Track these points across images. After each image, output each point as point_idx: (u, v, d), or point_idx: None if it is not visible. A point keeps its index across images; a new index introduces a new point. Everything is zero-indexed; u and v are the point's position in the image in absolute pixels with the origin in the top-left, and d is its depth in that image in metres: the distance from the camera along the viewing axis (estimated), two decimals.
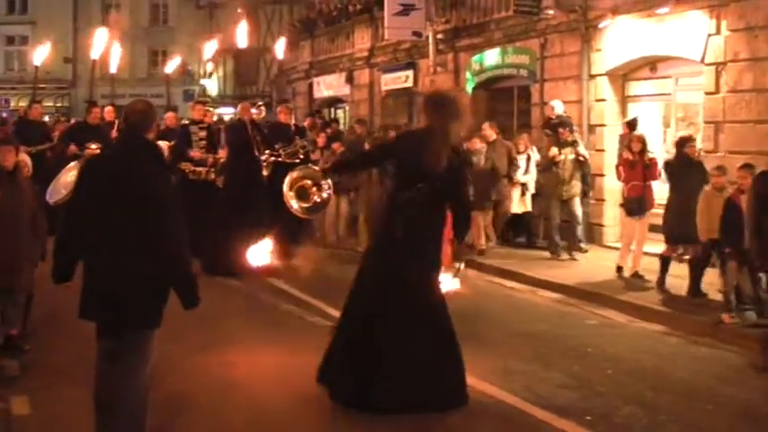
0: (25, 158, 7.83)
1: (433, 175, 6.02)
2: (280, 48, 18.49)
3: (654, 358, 7.79)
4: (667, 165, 10.69)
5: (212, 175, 11.81)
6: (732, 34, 11.55)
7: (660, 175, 11.00)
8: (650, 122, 13.55)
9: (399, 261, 6.11)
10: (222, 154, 11.98)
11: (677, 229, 9.96)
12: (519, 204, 13.67)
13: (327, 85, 24.74)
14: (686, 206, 9.67)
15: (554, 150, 12.51)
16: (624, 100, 14.29)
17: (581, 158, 12.57)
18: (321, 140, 14.57)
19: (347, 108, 24.10)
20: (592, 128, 14.25)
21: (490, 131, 13.53)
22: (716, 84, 11.81)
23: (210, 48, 20.65)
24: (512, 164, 13.45)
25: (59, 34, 26.51)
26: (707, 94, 12.05)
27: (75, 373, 6.33)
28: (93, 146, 11.04)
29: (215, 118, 14.10)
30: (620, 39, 13.61)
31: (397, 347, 6.01)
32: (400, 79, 20.31)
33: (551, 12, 14.92)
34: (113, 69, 18.82)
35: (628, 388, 6.83)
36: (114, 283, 4.68)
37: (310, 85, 25.62)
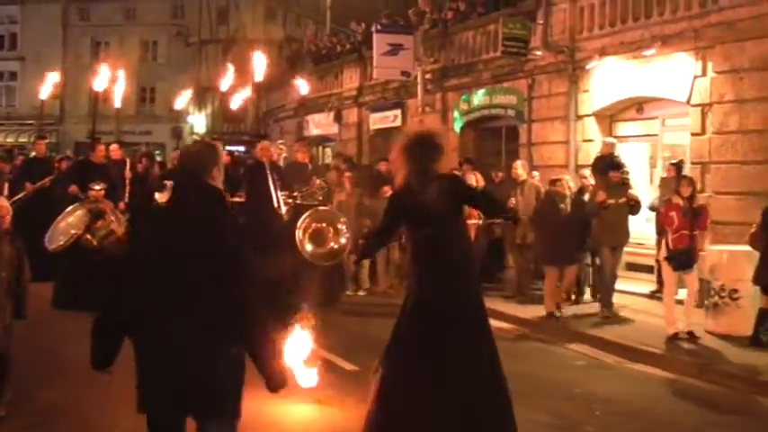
0: (6, 204, 6.85)
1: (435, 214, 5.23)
2: (303, 85, 18.43)
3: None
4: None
5: None
6: (718, 76, 11.70)
7: (709, 224, 10.15)
8: (637, 163, 13.64)
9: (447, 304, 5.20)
10: (238, 196, 11.25)
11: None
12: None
13: (316, 124, 24.84)
14: None
15: (602, 194, 10.95)
16: None
17: (632, 203, 11.05)
18: (348, 181, 13.60)
19: (335, 146, 24.17)
20: (579, 168, 14.26)
21: (522, 171, 12.45)
22: (702, 125, 11.92)
23: (227, 81, 20.33)
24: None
25: (48, 70, 26.53)
26: (693, 134, 12.16)
27: (66, 410, 6.28)
28: (98, 186, 10.19)
29: None
30: (608, 80, 13.75)
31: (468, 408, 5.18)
32: (388, 119, 20.40)
33: (539, 53, 15.09)
34: (118, 104, 18.57)
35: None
36: (193, 365, 3.81)
37: (299, 124, 25.70)
